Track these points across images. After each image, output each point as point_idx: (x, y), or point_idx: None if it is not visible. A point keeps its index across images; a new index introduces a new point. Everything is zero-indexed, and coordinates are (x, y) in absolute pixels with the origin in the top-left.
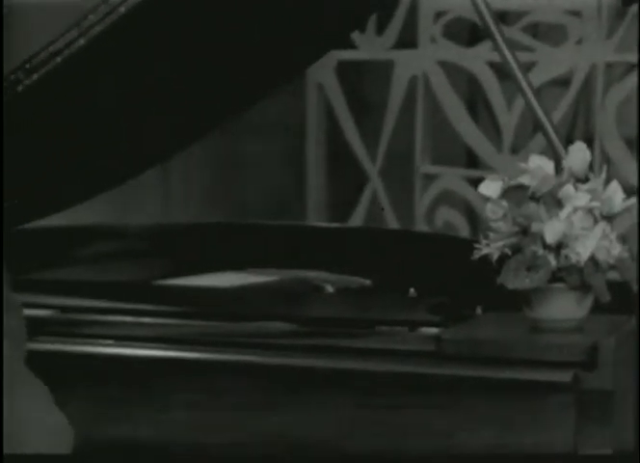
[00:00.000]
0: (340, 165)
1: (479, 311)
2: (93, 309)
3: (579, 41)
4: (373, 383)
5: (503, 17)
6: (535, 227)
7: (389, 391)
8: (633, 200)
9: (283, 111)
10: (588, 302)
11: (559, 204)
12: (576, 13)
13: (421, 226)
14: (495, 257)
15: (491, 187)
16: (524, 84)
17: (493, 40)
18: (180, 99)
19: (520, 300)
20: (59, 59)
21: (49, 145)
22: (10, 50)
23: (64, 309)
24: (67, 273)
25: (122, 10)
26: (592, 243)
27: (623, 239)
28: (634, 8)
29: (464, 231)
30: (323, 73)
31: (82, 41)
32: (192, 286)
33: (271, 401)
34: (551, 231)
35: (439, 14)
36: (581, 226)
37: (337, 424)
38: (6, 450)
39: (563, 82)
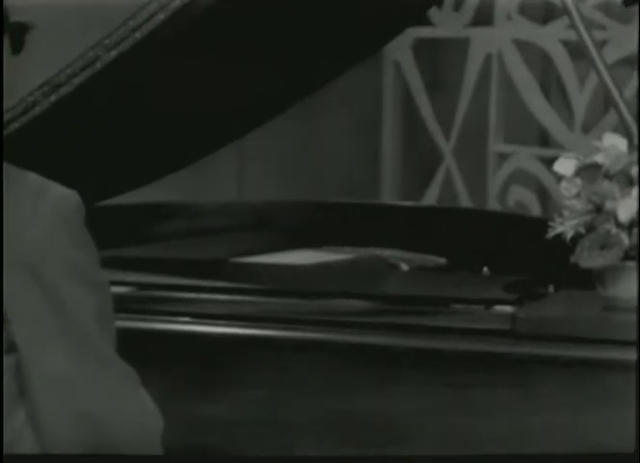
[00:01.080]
0: (415, 143)
1: (552, 289)
2: (170, 286)
3: None
4: (448, 361)
5: None
6: (609, 205)
7: (464, 369)
8: None
9: (360, 88)
10: None
11: (632, 182)
12: None
13: (494, 205)
14: (569, 235)
15: (565, 165)
16: (598, 62)
17: (570, 17)
18: (259, 75)
19: (594, 278)
20: (138, 35)
21: (126, 122)
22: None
23: (140, 286)
24: (144, 250)
25: None
26: None
27: None
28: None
29: (535, 210)
30: (400, 51)
31: (161, 16)
32: (268, 264)
33: (345, 379)
34: (625, 209)
35: None
36: None
37: (410, 402)
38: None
39: (635, 60)
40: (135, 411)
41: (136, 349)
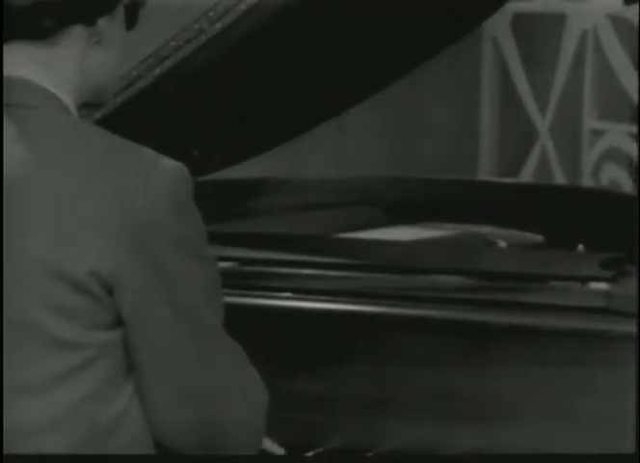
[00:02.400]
0: (512, 120)
1: None
2: (273, 261)
3: None
4: (543, 338)
5: None
6: None
7: (559, 346)
8: None
9: (459, 64)
10: None
11: None
12: None
13: (588, 182)
14: None
15: None
16: None
17: None
18: (361, 50)
19: None
20: (243, 6)
21: (229, 95)
22: None
23: (243, 261)
24: (247, 226)
25: None
26: None
27: None
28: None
29: (628, 188)
30: (498, 27)
31: None
32: (368, 240)
33: (443, 356)
34: None
35: None
36: None
37: (506, 379)
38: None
39: None
40: (243, 385)
41: (238, 325)
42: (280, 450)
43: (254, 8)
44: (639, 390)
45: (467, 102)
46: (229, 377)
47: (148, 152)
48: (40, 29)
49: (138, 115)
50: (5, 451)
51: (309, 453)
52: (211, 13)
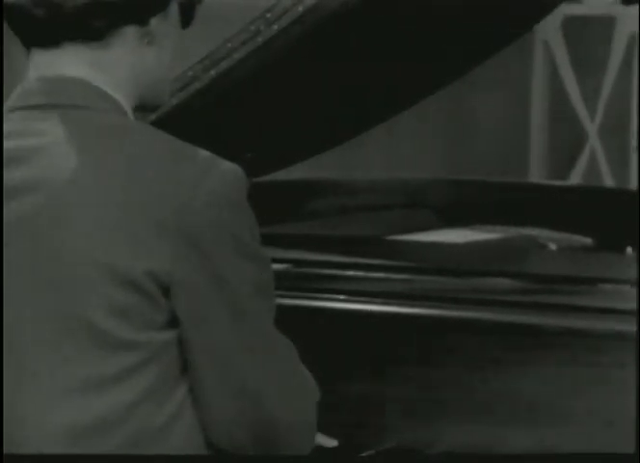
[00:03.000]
0: (562, 122)
1: None
2: (326, 263)
3: None
4: (594, 340)
5: None
6: None
7: (609, 348)
8: None
9: (511, 66)
10: None
11: None
12: None
13: (636, 184)
14: None
15: None
16: None
17: None
18: (413, 54)
19: None
20: (300, 8)
21: (282, 97)
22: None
23: (297, 263)
24: (300, 227)
25: None
26: None
27: None
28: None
29: None
30: (549, 30)
31: None
32: (420, 242)
33: (494, 358)
34: None
35: None
36: None
37: (557, 381)
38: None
39: None
40: (295, 383)
41: (291, 326)
42: (332, 442)
43: (312, 10)
44: (639, 389)
45: (518, 104)
46: (282, 375)
47: (205, 154)
48: (91, 30)
49: (193, 116)
50: (51, 452)
51: (362, 455)
52: (268, 15)
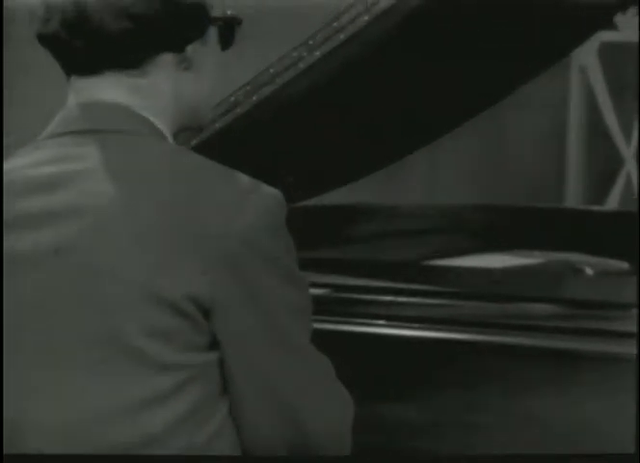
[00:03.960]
0: (599, 146)
1: None
2: (365, 288)
3: None
4: (629, 365)
5: None
6: None
7: None
8: None
9: (548, 91)
10: None
11: None
12: None
13: None
14: None
15: None
16: None
17: None
18: (451, 79)
19: None
20: (342, 36)
21: (323, 122)
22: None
23: (336, 288)
24: (339, 252)
25: None
26: None
27: None
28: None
29: None
30: (586, 55)
31: (366, 17)
32: (460, 267)
33: (531, 382)
34: None
35: None
36: None
37: (593, 405)
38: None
39: None
40: (332, 399)
41: (331, 351)
42: None
43: (353, 37)
44: (639, 389)
45: (554, 129)
46: (319, 391)
47: (246, 179)
48: (129, 58)
49: (235, 141)
50: None
51: None
52: (310, 42)
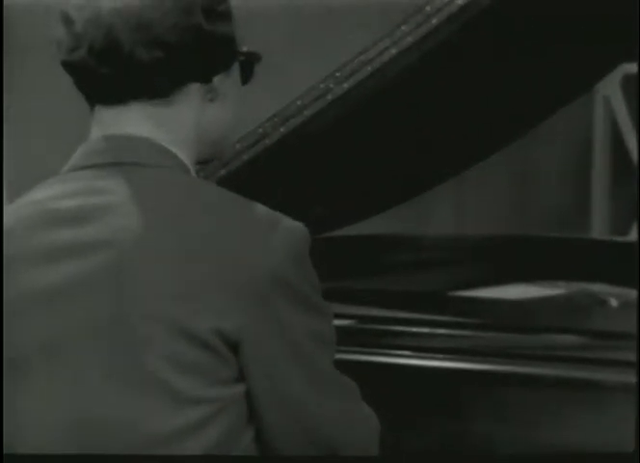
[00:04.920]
0: (623, 177)
1: None
2: (390, 319)
3: None
4: None
5: None
6: None
7: None
8: None
9: (572, 122)
10: None
11: None
12: None
13: None
14: None
15: None
16: None
17: None
18: (478, 109)
19: None
20: (369, 68)
21: (350, 154)
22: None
23: (361, 318)
24: (365, 282)
25: (434, 22)
26: None
27: None
28: None
29: None
30: (609, 87)
31: (393, 51)
32: (485, 298)
33: (553, 413)
34: None
35: None
36: None
37: (616, 436)
38: None
39: None
40: (363, 425)
41: (356, 382)
42: None
43: (382, 69)
44: (639, 389)
45: (579, 159)
46: (350, 415)
47: (270, 212)
48: (156, 87)
49: (263, 172)
50: None
51: None
52: (338, 74)
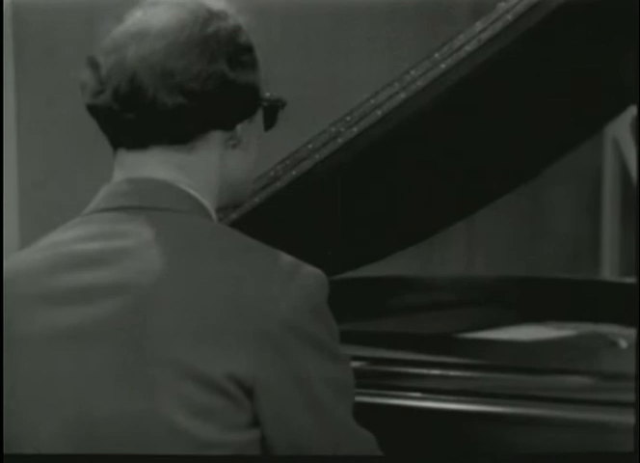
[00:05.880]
0: (633, 218)
1: None
2: (400, 361)
3: None
4: None
5: None
6: None
7: None
8: None
9: (582, 164)
10: None
11: None
12: None
13: None
14: None
15: None
16: None
17: None
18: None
19: None
20: (379, 112)
21: (361, 198)
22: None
23: (373, 360)
24: (378, 324)
25: (443, 66)
26: None
27: None
28: None
29: None
30: (619, 128)
31: (402, 95)
32: (495, 340)
33: (565, 455)
34: None
35: None
36: None
37: None
38: None
39: None
40: None
41: (368, 423)
42: None
43: (391, 113)
44: (639, 389)
45: (589, 200)
46: None
47: (288, 259)
48: (179, 133)
49: (275, 215)
50: None
51: None
52: (348, 118)
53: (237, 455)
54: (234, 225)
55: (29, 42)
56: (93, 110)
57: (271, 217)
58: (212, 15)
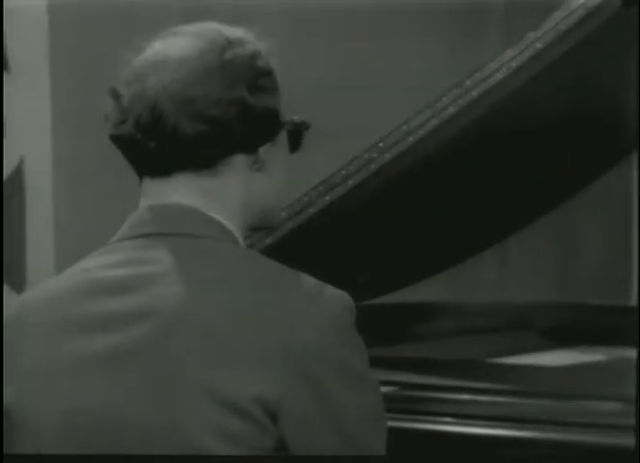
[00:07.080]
0: None
1: None
2: (432, 386)
3: None
4: None
5: None
6: None
7: None
8: None
9: (610, 187)
10: None
11: None
12: None
13: None
14: None
15: None
16: None
17: None
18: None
19: None
20: (411, 139)
21: (394, 223)
22: None
23: (405, 386)
24: (407, 349)
25: (474, 94)
26: None
27: None
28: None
29: None
30: None
31: (435, 122)
32: (524, 365)
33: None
34: None
35: None
36: None
37: None
38: None
39: None
40: None
41: (399, 449)
42: None
43: (423, 139)
44: (639, 389)
45: (620, 228)
46: None
47: (312, 281)
48: (202, 159)
49: (308, 240)
50: None
51: None
52: (381, 144)
53: (239, 456)
54: (268, 250)
55: (66, 74)
56: (116, 140)
57: (304, 242)
58: (230, 43)
